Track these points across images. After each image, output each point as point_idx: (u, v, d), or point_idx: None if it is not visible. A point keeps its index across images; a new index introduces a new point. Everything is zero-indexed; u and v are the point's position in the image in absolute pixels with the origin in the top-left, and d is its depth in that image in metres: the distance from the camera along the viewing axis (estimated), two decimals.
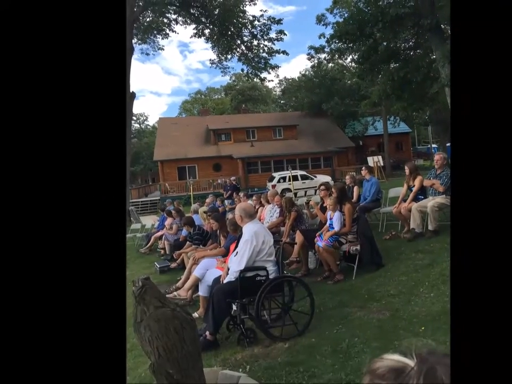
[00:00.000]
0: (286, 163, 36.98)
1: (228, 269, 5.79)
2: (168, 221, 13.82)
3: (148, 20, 31.13)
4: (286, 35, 31.70)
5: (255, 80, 39.59)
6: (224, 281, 5.70)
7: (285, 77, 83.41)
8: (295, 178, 29.20)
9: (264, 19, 30.70)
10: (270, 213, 10.59)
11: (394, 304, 5.72)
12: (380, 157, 34.44)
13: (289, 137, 44.97)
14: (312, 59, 49.21)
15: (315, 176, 32.59)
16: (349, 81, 49.91)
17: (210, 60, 32.49)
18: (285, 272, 6.42)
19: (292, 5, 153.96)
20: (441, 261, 6.71)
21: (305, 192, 25.84)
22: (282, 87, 69.49)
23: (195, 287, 7.13)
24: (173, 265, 10.69)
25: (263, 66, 32.63)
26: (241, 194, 16.04)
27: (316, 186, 21.51)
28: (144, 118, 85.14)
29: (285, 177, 30.82)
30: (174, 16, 31.21)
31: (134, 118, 70.66)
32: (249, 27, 31.05)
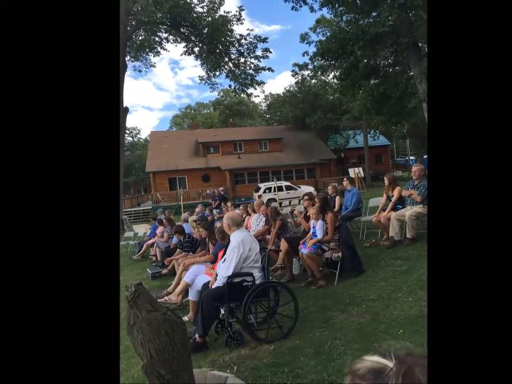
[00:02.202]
0: (272, 174, 36.92)
1: (216, 275, 5.77)
2: (160, 229, 13.77)
3: (140, 38, 31.06)
4: (272, 53, 31.75)
5: (242, 95, 39.57)
6: (213, 287, 5.68)
7: (270, 92, 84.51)
8: (280, 188, 29.23)
9: (251, 38, 30.76)
10: (256, 221, 10.59)
11: (374, 308, 5.72)
12: (361, 169, 34.67)
13: (275, 149, 45.15)
14: (296, 75, 49.56)
15: (299, 187, 32.71)
16: (331, 97, 50.06)
17: (199, 76, 32.42)
18: (270, 278, 6.41)
19: (277, 24, 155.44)
20: (418, 267, 6.72)
21: (290, 202, 25.84)
22: (268, 102, 69.52)
23: (185, 292, 7.11)
24: (164, 271, 10.64)
25: (249, 82, 32.63)
26: (229, 204, 16.04)
27: (299, 196, 21.53)
28: (137, 131, 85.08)
29: (271, 187, 30.83)
30: (165, 35, 31.20)
31: (127, 131, 70.59)
32: (236, 45, 31.07)
